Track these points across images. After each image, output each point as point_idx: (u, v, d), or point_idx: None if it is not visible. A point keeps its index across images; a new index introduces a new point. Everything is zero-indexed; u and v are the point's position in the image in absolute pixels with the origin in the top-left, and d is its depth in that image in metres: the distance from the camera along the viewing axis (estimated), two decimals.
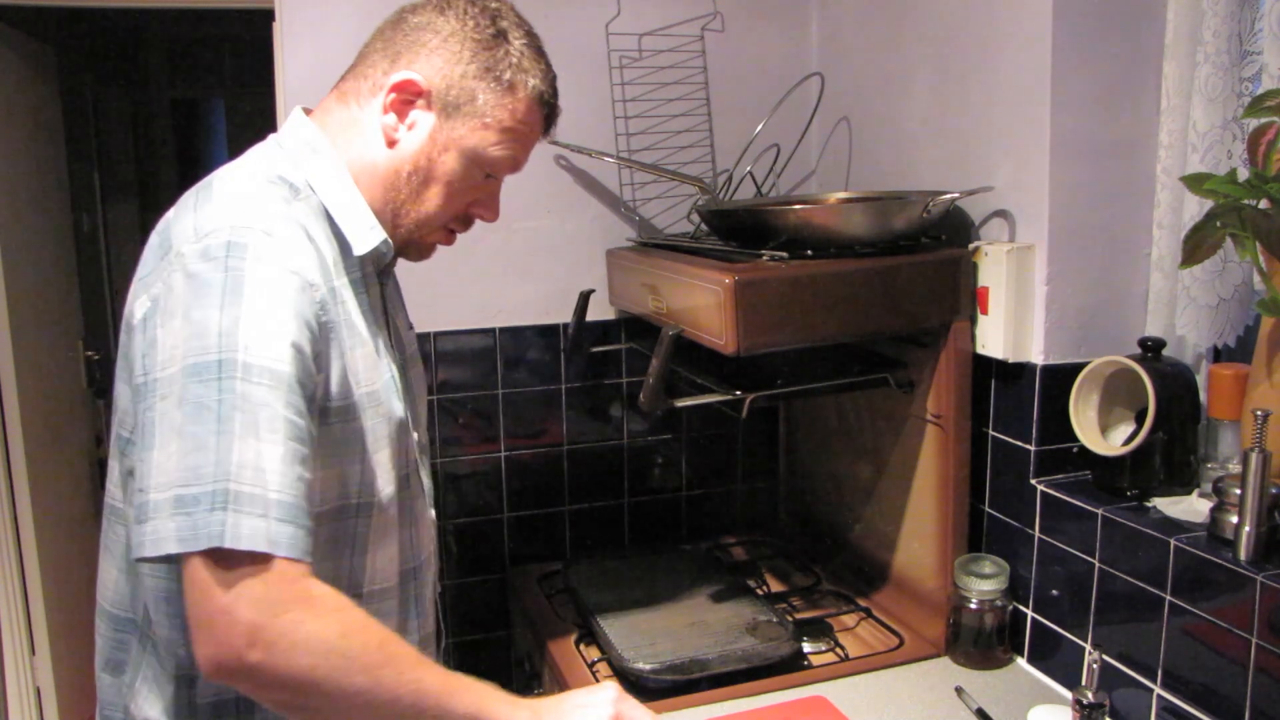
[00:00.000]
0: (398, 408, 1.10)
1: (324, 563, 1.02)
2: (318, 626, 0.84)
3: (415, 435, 1.18)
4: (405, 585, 1.16)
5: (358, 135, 1.07)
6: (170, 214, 1.03)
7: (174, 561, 0.86)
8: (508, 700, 0.95)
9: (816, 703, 1.39)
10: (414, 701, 0.89)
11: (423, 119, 1.06)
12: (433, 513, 1.24)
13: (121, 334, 1.02)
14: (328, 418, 0.99)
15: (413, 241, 1.14)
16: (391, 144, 1.06)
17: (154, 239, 1.02)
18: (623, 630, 1.56)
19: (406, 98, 1.05)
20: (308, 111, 1.12)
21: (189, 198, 1.03)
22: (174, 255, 0.94)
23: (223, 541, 0.82)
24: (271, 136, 1.12)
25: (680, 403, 1.48)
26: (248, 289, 0.90)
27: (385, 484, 1.08)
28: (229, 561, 0.82)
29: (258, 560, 0.83)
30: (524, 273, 1.91)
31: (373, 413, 1.05)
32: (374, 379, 1.06)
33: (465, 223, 1.15)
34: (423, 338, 1.88)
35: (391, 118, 1.06)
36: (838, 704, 1.37)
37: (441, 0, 1.08)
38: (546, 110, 1.12)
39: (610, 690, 1.03)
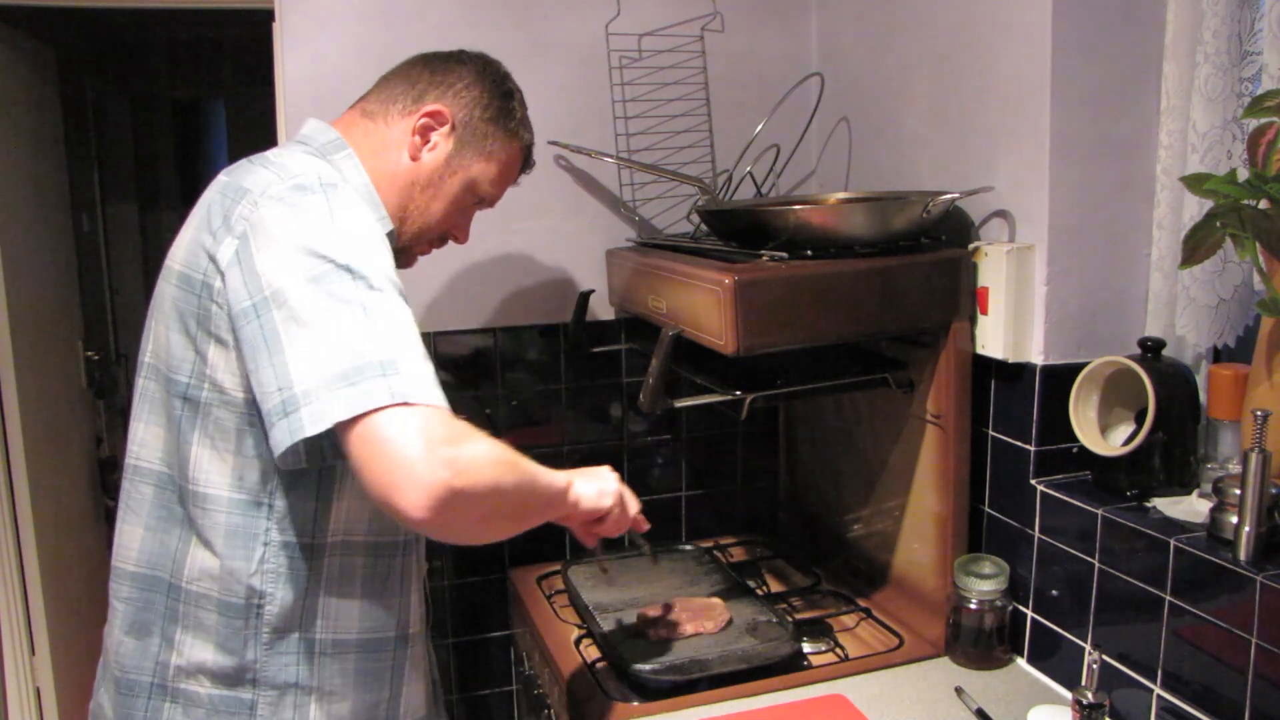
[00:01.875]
0: None
1: (373, 602, 1.19)
2: (485, 446, 0.99)
3: None
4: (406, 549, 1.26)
5: (382, 147, 1.24)
6: (224, 178, 1.15)
7: (324, 442, 1.00)
8: (564, 473, 1.18)
9: (835, 701, 1.39)
10: (535, 485, 1.08)
11: (442, 144, 1.26)
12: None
13: (169, 288, 1.13)
14: None
15: (406, 248, 1.30)
16: (414, 159, 1.25)
17: (213, 197, 1.12)
18: (623, 630, 1.56)
19: (432, 124, 1.25)
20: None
21: (243, 165, 1.16)
22: (260, 195, 1.06)
23: (409, 396, 0.93)
24: (293, 139, 1.26)
25: (680, 403, 1.48)
26: (349, 213, 1.06)
27: None
28: (404, 416, 0.93)
29: (426, 411, 0.94)
30: (524, 273, 1.91)
31: None
32: None
33: (441, 241, 1.35)
34: (423, 337, 1.87)
35: (418, 138, 1.25)
36: None
37: (458, 53, 1.31)
38: (526, 159, 1.38)
39: (610, 470, 1.29)
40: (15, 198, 2.49)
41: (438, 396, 0.97)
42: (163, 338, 1.13)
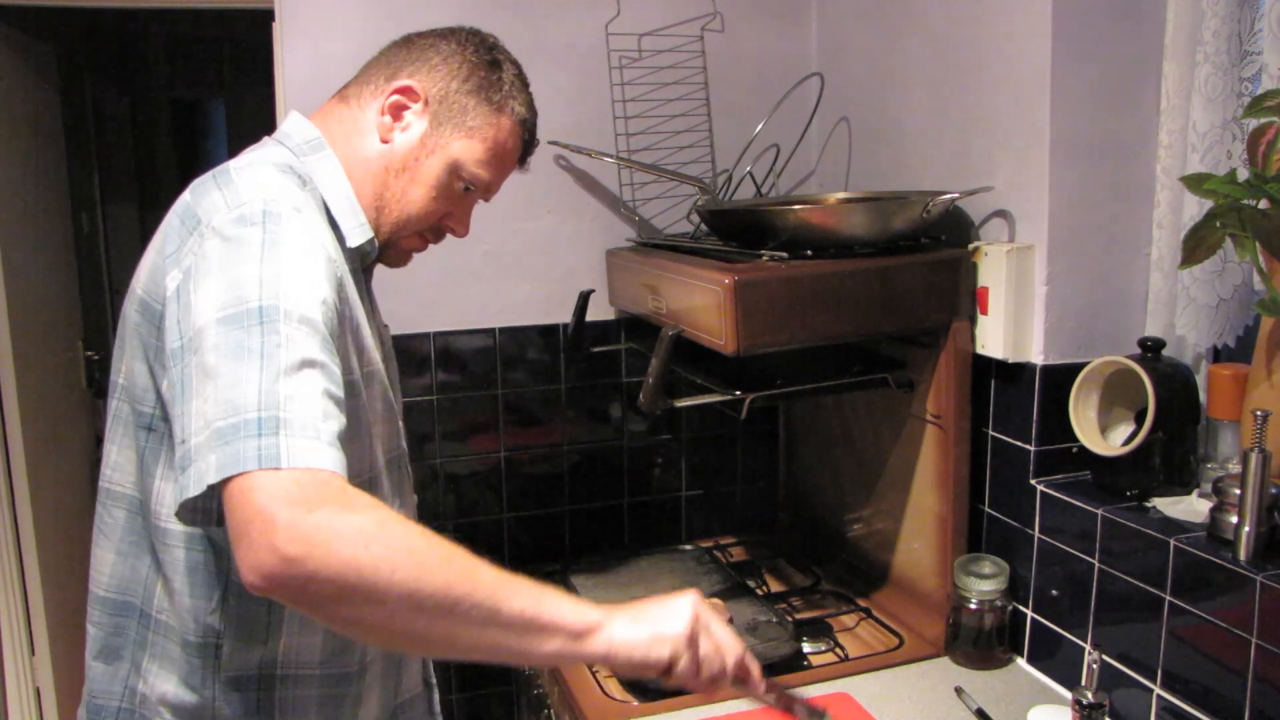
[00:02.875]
0: (390, 389, 1.19)
1: (334, 640, 1.10)
2: (354, 519, 0.82)
3: (400, 423, 1.25)
4: None
5: (355, 133, 1.15)
6: (187, 197, 1.07)
7: (213, 496, 0.84)
8: (571, 600, 0.90)
9: (840, 699, 1.39)
10: (466, 593, 0.84)
11: (416, 122, 1.14)
12: (415, 497, 1.30)
13: (132, 312, 1.05)
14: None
15: (392, 243, 1.19)
16: (385, 141, 1.15)
17: (173, 220, 1.05)
18: None
19: (403, 101, 1.14)
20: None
21: (206, 181, 1.07)
22: (205, 227, 0.98)
23: (277, 462, 0.81)
24: (271, 136, 1.18)
25: (680, 403, 1.48)
26: (285, 248, 0.95)
27: (379, 463, 1.14)
28: (265, 481, 0.81)
29: (294, 475, 0.82)
30: (524, 273, 1.91)
31: (370, 392, 1.11)
32: (372, 360, 1.13)
33: (437, 234, 1.22)
34: (423, 338, 1.88)
35: (388, 118, 1.14)
36: None
37: (445, 28, 1.19)
38: (526, 137, 1.22)
39: (692, 595, 0.99)
40: (15, 198, 2.49)
41: (323, 459, 0.84)
42: (127, 362, 1.07)
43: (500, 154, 1.19)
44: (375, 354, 1.14)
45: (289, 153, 1.13)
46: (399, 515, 0.86)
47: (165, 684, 1.07)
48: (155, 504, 1.06)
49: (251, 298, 0.90)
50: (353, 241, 1.13)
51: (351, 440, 1.03)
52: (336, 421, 0.88)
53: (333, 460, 0.85)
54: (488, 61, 1.17)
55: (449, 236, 1.24)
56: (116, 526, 1.10)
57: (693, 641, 0.95)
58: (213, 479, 0.82)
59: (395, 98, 1.14)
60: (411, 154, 1.15)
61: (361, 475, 1.09)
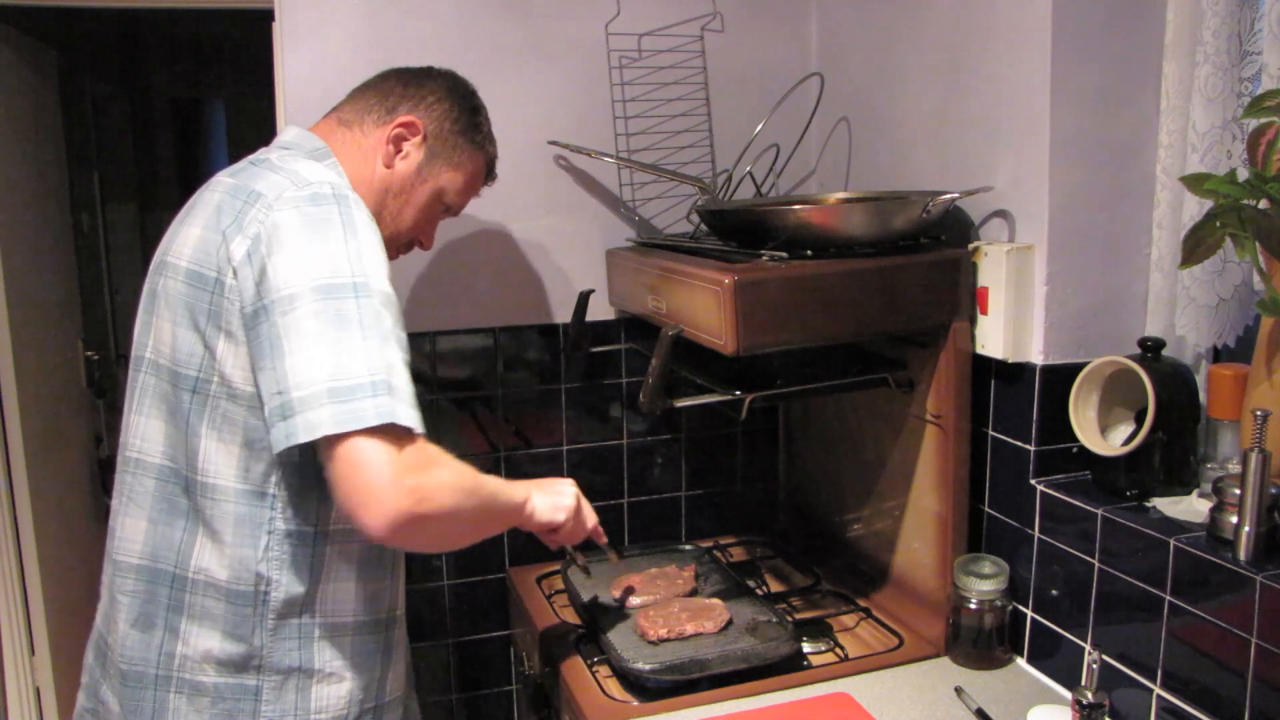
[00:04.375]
0: None
1: (368, 585, 1.24)
2: (448, 474, 1.08)
3: None
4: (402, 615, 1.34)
5: (359, 154, 1.30)
6: (230, 179, 1.19)
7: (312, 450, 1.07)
8: (518, 486, 1.30)
9: (840, 699, 1.39)
10: (494, 503, 1.21)
11: (414, 153, 1.32)
12: None
13: (175, 284, 1.15)
14: None
15: None
16: (388, 166, 1.31)
17: (220, 199, 1.16)
18: (623, 630, 1.56)
19: (405, 134, 1.31)
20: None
21: (247, 169, 1.20)
22: (275, 199, 1.11)
23: (394, 418, 1.01)
24: (275, 141, 1.28)
25: (680, 403, 1.48)
26: (360, 228, 1.10)
27: None
28: (383, 438, 1.01)
29: (402, 436, 1.02)
30: (524, 273, 1.91)
31: None
32: None
33: (407, 247, 1.41)
34: (423, 337, 1.88)
35: (391, 147, 1.30)
36: None
37: (427, 69, 1.38)
38: (489, 171, 1.45)
39: (571, 481, 1.41)
40: (15, 198, 2.49)
41: (417, 419, 1.04)
42: (167, 332, 1.16)
43: (474, 184, 1.42)
44: None
45: (305, 155, 1.25)
46: (459, 463, 1.11)
47: (208, 641, 1.16)
48: (201, 462, 1.15)
49: (344, 272, 1.06)
50: None
51: None
52: (411, 383, 1.07)
53: (421, 423, 1.05)
54: (471, 107, 1.38)
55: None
56: (147, 495, 1.19)
57: (576, 511, 1.38)
58: (330, 429, 0.99)
59: (399, 130, 1.30)
60: (409, 180, 1.32)
61: None
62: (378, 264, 1.10)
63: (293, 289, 1.04)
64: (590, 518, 1.43)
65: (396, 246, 1.37)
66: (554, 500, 1.36)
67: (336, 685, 1.21)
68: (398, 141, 1.30)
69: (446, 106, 1.34)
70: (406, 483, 1.01)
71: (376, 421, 1.00)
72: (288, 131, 1.31)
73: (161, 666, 1.17)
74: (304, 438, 1.00)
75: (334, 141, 1.29)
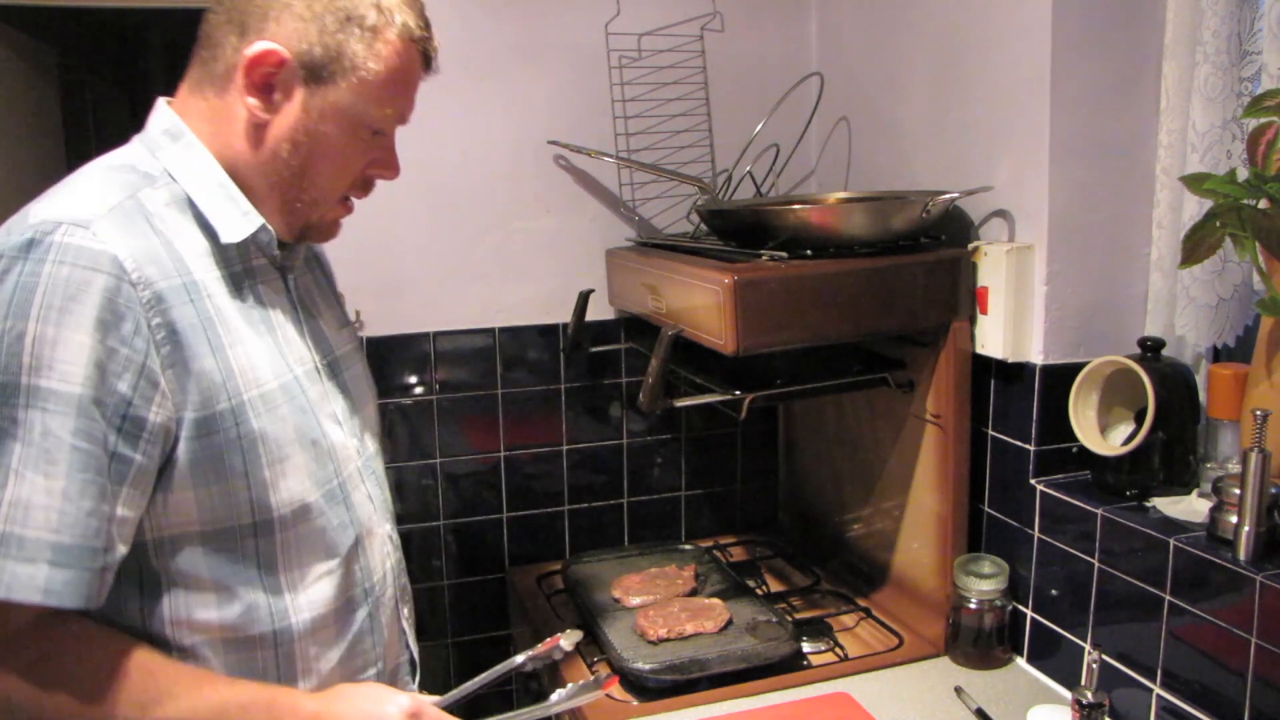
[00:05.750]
0: (311, 409, 1.03)
1: (220, 593, 0.96)
2: (77, 669, 0.85)
3: (354, 442, 1.10)
4: (349, 613, 1.08)
5: (223, 125, 0.98)
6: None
7: None
8: (314, 702, 0.97)
9: (840, 699, 1.39)
10: None
11: (290, 91, 0.96)
12: (389, 527, 1.16)
13: None
14: (192, 429, 0.91)
15: (311, 224, 1.05)
16: (262, 126, 0.97)
17: None
18: (623, 630, 1.56)
19: (267, 71, 0.95)
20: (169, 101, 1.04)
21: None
22: None
23: (7, 592, 0.80)
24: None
25: (680, 403, 1.48)
26: (38, 296, 0.83)
27: (294, 498, 0.99)
28: None
29: (17, 610, 0.82)
30: (524, 273, 1.91)
31: (270, 417, 0.97)
32: (268, 378, 0.98)
33: (365, 187, 1.06)
34: (423, 338, 1.88)
35: (253, 99, 0.96)
36: None
37: None
38: (421, 46, 1.01)
39: (403, 701, 1.01)
40: (15, 197, 2.48)
41: (56, 586, 0.82)
42: None
43: (398, 81, 1.00)
44: (290, 366, 1.01)
45: (144, 147, 1.01)
46: (122, 657, 0.87)
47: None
48: None
49: (12, 368, 0.82)
50: (229, 236, 0.98)
51: (227, 478, 0.94)
52: (87, 524, 0.83)
53: (63, 586, 0.82)
54: None
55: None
56: None
57: None
58: None
59: (254, 72, 0.95)
60: (299, 128, 0.97)
61: (242, 520, 0.96)
62: (48, 346, 0.82)
63: None
64: None
65: (337, 201, 1.05)
66: None
67: None
68: (261, 87, 0.95)
69: (302, 6, 0.95)
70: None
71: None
72: (155, 107, 1.04)
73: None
74: None
75: (192, 117, 1.00)
